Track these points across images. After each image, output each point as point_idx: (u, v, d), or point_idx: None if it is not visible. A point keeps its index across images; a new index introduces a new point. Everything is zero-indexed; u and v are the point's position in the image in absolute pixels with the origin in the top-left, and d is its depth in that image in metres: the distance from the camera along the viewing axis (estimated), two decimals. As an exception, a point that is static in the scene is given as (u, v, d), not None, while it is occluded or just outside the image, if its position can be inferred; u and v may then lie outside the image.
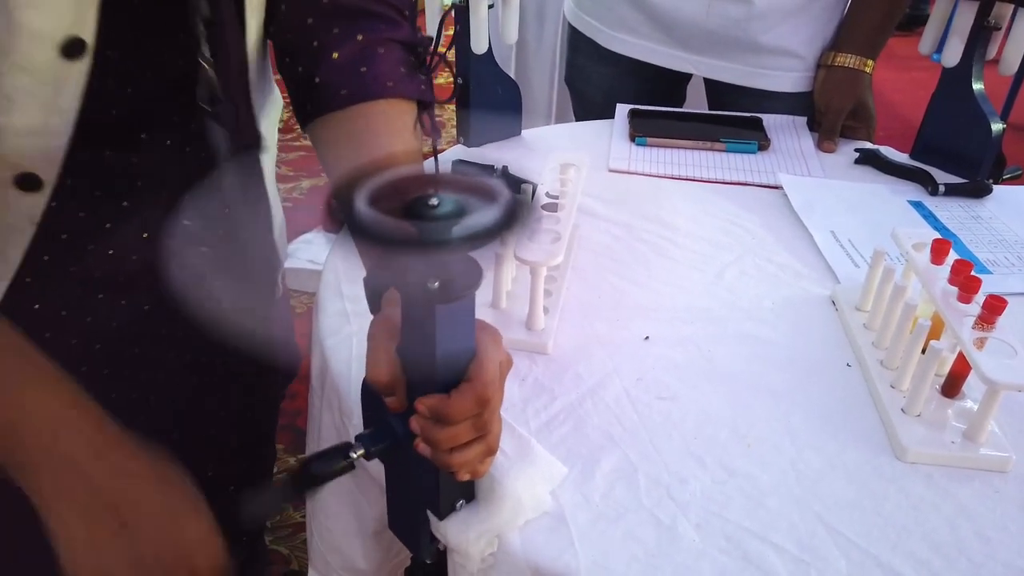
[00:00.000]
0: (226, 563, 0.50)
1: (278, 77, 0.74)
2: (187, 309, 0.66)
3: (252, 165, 0.74)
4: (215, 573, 0.50)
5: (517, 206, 0.40)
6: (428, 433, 0.47)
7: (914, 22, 3.89)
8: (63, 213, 0.58)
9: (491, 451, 0.49)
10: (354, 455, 0.49)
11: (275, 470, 1.35)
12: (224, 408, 0.88)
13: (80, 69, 0.52)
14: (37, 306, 0.62)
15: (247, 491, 0.48)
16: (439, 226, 0.38)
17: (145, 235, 0.64)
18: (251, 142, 0.71)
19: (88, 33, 0.51)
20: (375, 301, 0.56)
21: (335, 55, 0.65)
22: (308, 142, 0.71)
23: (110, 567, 0.48)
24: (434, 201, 0.39)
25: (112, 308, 0.67)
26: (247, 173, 0.74)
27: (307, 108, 0.68)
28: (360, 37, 0.66)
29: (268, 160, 0.77)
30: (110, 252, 0.63)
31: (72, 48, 0.51)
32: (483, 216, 0.38)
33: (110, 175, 0.60)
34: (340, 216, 0.39)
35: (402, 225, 0.38)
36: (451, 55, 0.94)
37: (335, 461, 0.49)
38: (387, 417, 0.50)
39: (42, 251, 0.59)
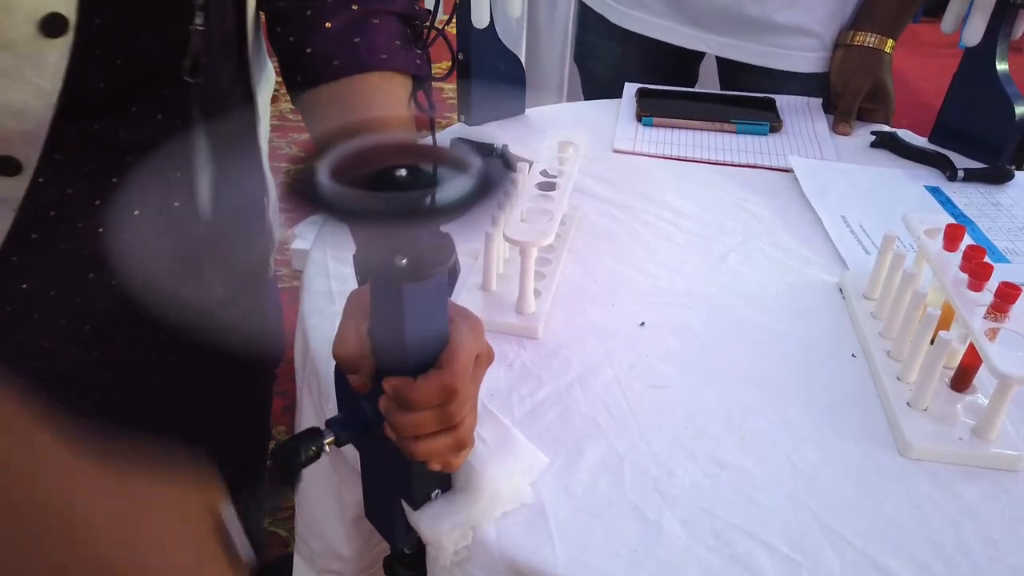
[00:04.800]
0: None
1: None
2: (176, 289, 0.64)
3: (248, 139, 0.71)
4: None
5: (490, 177, 0.37)
6: (391, 416, 0.44)
7: (942, 7, 3.80)
8: (50, 190, 0.55)
9: (462, 445, 0.46)
10: (325, 441, 0.47)
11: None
12: (215, 390, 0.86)
13: (61, 47, 0.49)
14: (25, 285, 0.60)
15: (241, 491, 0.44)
16: (405, 197, 0.36)
17: (136, 212, 0.62)
18: (244, 115, 0.69)
19: (70, 9, 0.48)
20: (363, 279, 0.54)
21: (328, 24, 0.63)
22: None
23: None
24: (402, 171, 0.36)
25: (102, 287, 0.65)
26: (242, 147, 0.72)
27: (298, 79, 0.65)
28: (355, 7, 0.63)
29: (262, 134, 0.75)
30: (100, 230, 0.61)
31: (52, 25, 0.48)
32: (453, 187, 0.36)
33: (98, 150, 0.58)
34: (296, 193, 0.36)
35: (364, 196, 0.35)
36: (451, 30, 0.91)
37: (303, 449, 0.47)
38: (358, 401, 0.48)
39: (29, 229, 0.57)
